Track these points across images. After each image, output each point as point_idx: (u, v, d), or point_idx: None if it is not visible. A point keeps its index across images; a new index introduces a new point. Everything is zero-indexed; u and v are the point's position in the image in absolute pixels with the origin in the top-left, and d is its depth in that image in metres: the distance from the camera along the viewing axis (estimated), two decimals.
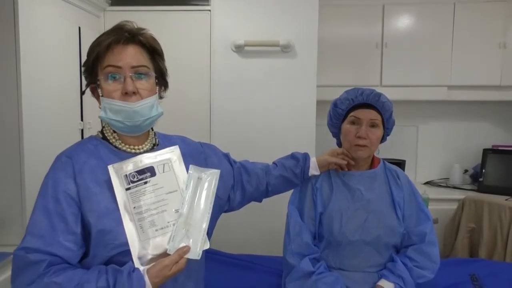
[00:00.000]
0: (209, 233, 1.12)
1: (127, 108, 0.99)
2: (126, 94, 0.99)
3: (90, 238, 0.96)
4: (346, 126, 1.49)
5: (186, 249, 0.98)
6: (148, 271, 0.94)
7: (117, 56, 1.00)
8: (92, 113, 2.25)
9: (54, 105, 1.94)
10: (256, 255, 1.95)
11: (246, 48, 2.38)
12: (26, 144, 1.72)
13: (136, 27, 1.05)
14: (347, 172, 1.51)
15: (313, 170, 1.49)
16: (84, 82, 1.08)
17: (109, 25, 1.06)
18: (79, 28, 2.14)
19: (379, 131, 1.47)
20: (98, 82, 1.02)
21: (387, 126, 1.51)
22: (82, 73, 1.09)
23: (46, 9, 1.89)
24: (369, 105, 1.46)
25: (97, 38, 1.03)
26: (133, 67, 1.00)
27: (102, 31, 1.05)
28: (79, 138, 2.16)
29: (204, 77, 2.43)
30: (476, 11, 2.82)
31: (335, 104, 1.52)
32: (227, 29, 2.39)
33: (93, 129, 2.26)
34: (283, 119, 2.43)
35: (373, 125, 1.45)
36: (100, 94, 1.02)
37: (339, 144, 1.59)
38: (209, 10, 2.40)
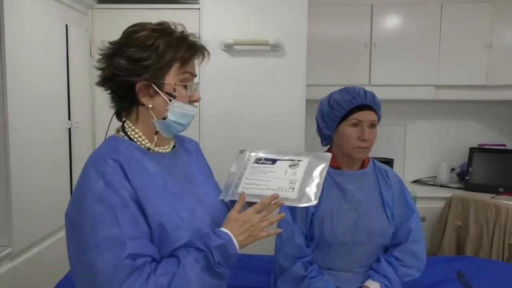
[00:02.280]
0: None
1: (194, 113, 1.05)
2: (193, 102, 1.05)
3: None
4: (346, 128, 1.45)
5: (266, 200, 1.02)
6: (226, 227, 1.00)
7: (194, 66, 1.05)
8: (80, 112, 2.23)
9: (41, 104, 1.91)
10: (246, 254, 1.95)
11: (236, 47, 2.38)
12: (12, 144, 1.70)
13: (198, 37, 1.07)
14: (338, 172, 1.51)
15: None
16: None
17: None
18: (66, 25, 2.11)
19: (376, 131, 1.48)
20: (168, 84, 1.00)
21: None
22: (129, 65, 0.97)
23: (32, 6, 1.87)
24: (367, 106, 1.45)
25: (172, 35, 1.00)
26: (195, 76, 1.06)
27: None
28: (67, 138, 2.14)
29: None
30: (463, 12, 2.86)
31: (330, 106, 1.47)
32: (216, 27, 2.38)
33: (80, 128, 2.23)
34: (272, 118, 2.43)
35: (372, 126, 1.46)
36: (172, 96, 1.00)
37: (327, 144, 1.57)
38: (198, 9, 2.39)
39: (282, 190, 1.06)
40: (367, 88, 1.49)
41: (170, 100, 1.00)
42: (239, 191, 1.09)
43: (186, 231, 0.97)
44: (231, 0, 2.37)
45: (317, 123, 1.56)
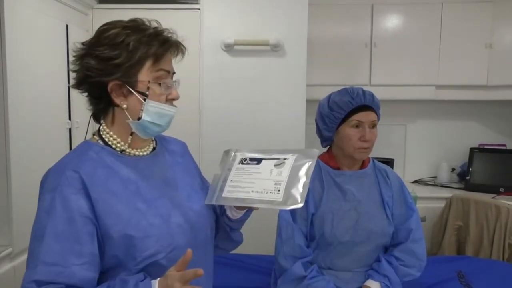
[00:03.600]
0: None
1: (172, 112, 1.01)
2: (171, 100, 1.01)
3: (108, 253, 0.91)
4: (347, 130, 1.45)
5: (193, 275, 0.84)
6: (159, 281, 0.87)
7: (170, 63, 1.00)
8: (80, 112, 2.23)
9: (41, 104, 1.91)
10: (246, 254, 1.95)
11: (236, 47, 2.38)
12: (13, 144, 1.70)
13: (173, 32, 1.03)
14: (338, 172, 1.51)
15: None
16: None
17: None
18: (67, 25, 2.11)
19: (376, 130, 1.49)
20: (141, 83, 0.95)
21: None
22: (98, 64, 0.94)
23: (33, 6, 1.87)
24: (367, 106, 1.45)
25: (145, 30, 0.96)
26: (173, 74, 1.02)
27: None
28: (67, 138, 2.14)
29: (193, 76, 2.42)
30: (463, 12, 2.85)
31: (330, 108, 1.47)
32: (216, 28, 2.38)
33: (81, 128, 2.23)
34: (273, 118, 2.43)
35: (373, 126, 1.47)
36: (145, 95, 0.95)
37: (327, 145, 1.57)
38: (199, 9, 2.39)
39: (267, 192, 1.01)
40: (368, 88, 1.50)
41: (145, 100, 0.95)
42: (224, 195, 1.05)
43: (155, 238, 0.92)
44: (231, 0, 2.37)
45: (317, 124, 1.56)
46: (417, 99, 3.03)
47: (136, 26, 0.97)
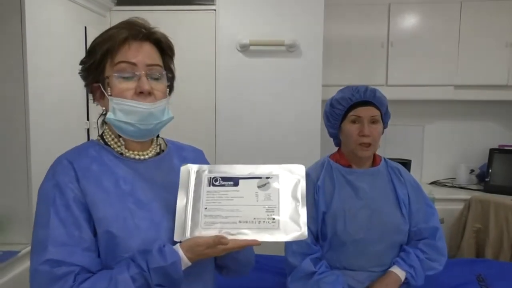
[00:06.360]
0: None
1: (142, 109, 0.91)
2: (140, 94, 0.91)
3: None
4: (347, 126, 1.47)
5: (224, 241, 0.85)
6: (180, 245, 0.87)
7: (133, 53, 0.92)
8: (98, 112, 2.26)
9: (61, 105, 1.95)
10: (259, 254, 1.96)
11: (251, 47, 2.38)
12: (33, 144, 1.74)
13: (148, 24, 0.98)
14: (349, 170, 1.50)
15: None
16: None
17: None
18: (85, 27, 2.15)
19: (380, 127, 1.47)
20: (106, 80, 0.92)
21: (384, 120, 1.51)
22: (80, 71, 0.99)
23: (53, 8, 1.91)
24: (367, 102, 1.45)
25: (106, 32, 0.94)
26: (148, 65, 0.93)
27: None
28: (85, 138, 2.18)
29: (209, 77, 2.43)
30: (482, 10, 2.80)
31: (331, 105, 1.51)
32: (232, 28, 2.39)
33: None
34: (288, 119, 2.43)
35: (373, 121, 1.46)
36: (108, 93, 0.92)
37: (338, 144, 1.59)
38: (214, 10, 2.40)
39: (259, 222, 0.86)
40: (384, 88, 1.49)
41: (110, 96, 0.92)
42: (201, 227, 0.87)
43: (139, 241, 0.88)
44: (247, 1, 2.38)
45: (325, 123, 1.59)
46: (435, 99, 2.98)
47: (107, 29, 0.96)
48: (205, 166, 0.96)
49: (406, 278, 1.42)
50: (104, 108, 0.98)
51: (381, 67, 2.89)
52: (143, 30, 0.95)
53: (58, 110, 1.93)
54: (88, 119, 2.18)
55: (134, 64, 0.92)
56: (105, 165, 0.95)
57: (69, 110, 2.03)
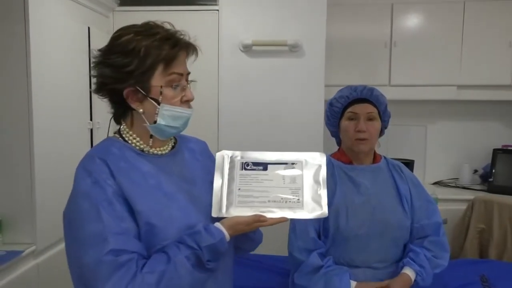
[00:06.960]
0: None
1: (187, 114, 1.02)
2: (186, 102, 1.02)
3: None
4: (344, 122, 1.50)
5: (263, 218, 0.97)
6: (222, 222, 0.97)
7: (183, 64, 1.01)
8: (101, 113, 2.27)
9: (64, 105, 1.96)
10: (260, 254, 1.96)
11: (254, 47, 2.39)
12: (36, 144, 1.74)
13: (186, 32, 1.04)
14: (350, 166, 1.52)
15: None
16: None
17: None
18: (89, 28, 2.16)
19: (377, 124, 1.49)
20: (155, 88, 0.97)
21: (383, 119, 1.52)
22: (114, 72, 0.97)
23: (56, 9, 1.91)
24: (364, 99, 1.48)
25: (148, 36, 0.96)
26: (187, 74, 1.03)
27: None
28: (89, 138, 2.18)
29: (212, 77, 2.43)
30: (486, 10, 2.79)
31: (330, 104, 1.54)
32: (235, 29, 2.39)
33: (101, 129, 2.27)
34: (291, 119, 2.43)
35: (370, 119, 1.47)
36: (159, 100, 0.97)
37: (339, 144, 1.60)
38: (217, 10, 2.41)
39: (286, 202, 0.99)
40: (387, 89, 1.50)
41: (159, 104, 0.97)
42: (235, 205, 1.00)
43: (175, 230, 0.96)
44: (249, 1, 2.38)
45: (325, 122, 1.62)
46: (438, 99, 2.97)
47: (147, 30, 0.98)
48: (237, 152, 1.07)
49: (414, 279, 1.42)
50: (141, 110, 0.99)
51: (384, 67, 2.88)
52: (187, 41, 1.02)
53: (61, 110, 1.93)
54: (91, 119, 2.18)
55: (184, 74, 1.01)
56: (128, 162, 0.99)
57: (73, 110, 2.03)
